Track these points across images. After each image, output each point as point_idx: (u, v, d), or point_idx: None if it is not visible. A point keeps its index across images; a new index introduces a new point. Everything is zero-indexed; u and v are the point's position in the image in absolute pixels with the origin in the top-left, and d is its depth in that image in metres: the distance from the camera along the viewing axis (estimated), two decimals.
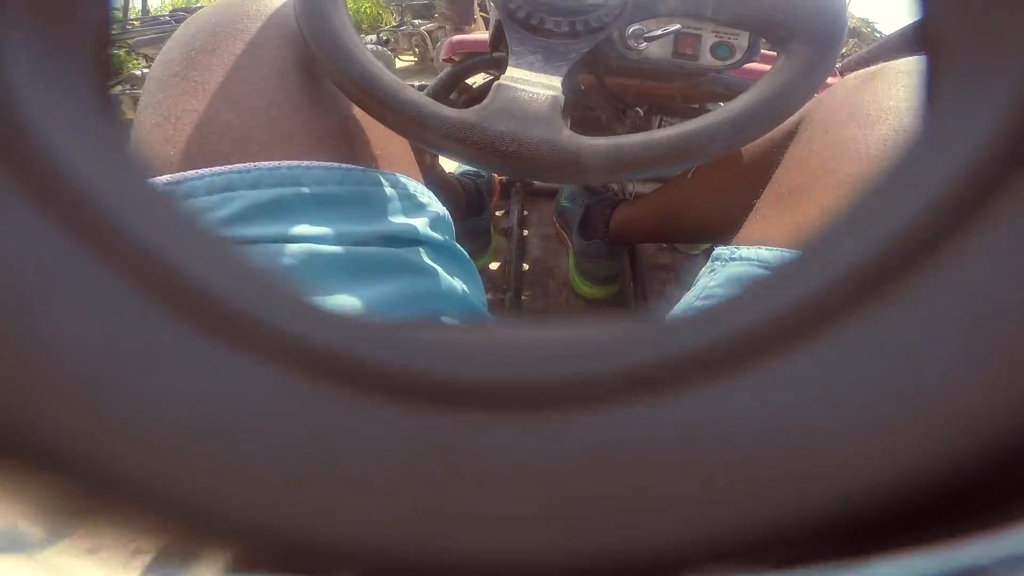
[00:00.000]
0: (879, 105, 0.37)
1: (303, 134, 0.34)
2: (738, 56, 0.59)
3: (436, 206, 0.40)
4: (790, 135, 0.42)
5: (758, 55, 0.61)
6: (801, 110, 0.43)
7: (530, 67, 0.33)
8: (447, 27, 0.97)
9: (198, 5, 5.30)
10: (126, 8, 4.12)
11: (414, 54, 4.58)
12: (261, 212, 0.31)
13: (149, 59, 3.85)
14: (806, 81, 0.32)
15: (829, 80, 0.41)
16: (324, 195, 0.33)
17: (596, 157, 0.31)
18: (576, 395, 0.09)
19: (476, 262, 0.99)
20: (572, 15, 0.34)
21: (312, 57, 0.35)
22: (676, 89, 0.75)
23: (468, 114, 0.31)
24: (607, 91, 0.77)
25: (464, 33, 0.90)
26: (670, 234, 0.88)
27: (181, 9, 4.57)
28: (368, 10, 8.22)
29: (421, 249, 0.37)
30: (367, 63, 0.33)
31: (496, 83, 0.32)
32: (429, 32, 4.13)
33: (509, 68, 0.33)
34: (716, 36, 0.60)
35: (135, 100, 3.19)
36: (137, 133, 0.34)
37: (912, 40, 1.01)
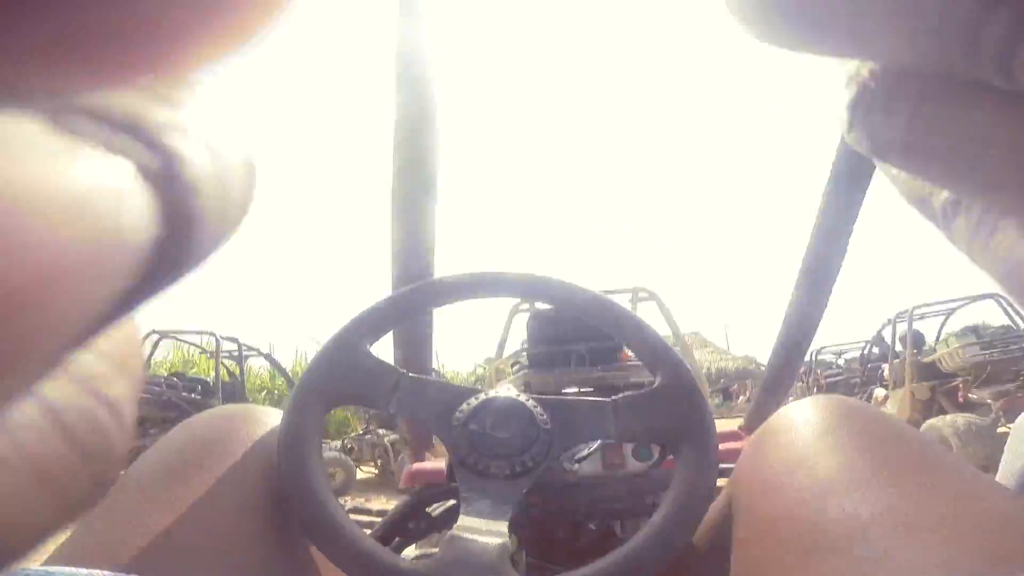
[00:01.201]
0: (775, 470, 0.41)
1: (259, 567, 0.35)
2: (656, 455, 0.69)
3: None
4: (728, 517, 0.45)
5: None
6: (727, 490, 0.47)
7: (479, 515, 0.37)
8: (408, 451, 1.04)
9: (193, 372, 5.44)
10: None
11: (375, 465, 4.65)
12: None
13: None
14: (703, 479, 0.38)
15: (736, 445, 0.47)
16: None
17: None
18: None
19: None
20: (511, 458, 0.39)
21: (284, 494, 0.38)
22: (617, 495, 0.81)
23: (421, 567, 0.33)
24: (557, 509, 0.81)
25: (423, 458, 0.96)
26: None
27: (176, 374, 4.65)
28: (337, 414, 8.78)
29: None
30: (334, 510, 0.36)
31: (449, 534, 0.35)
32: (392, 443, 4.30)
33: (461, 516, 0.37)
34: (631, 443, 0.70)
35: None
36: (95, 521, 0.34)
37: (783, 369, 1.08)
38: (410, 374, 0.43)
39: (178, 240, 0.08)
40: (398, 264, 0.73)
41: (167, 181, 0.08)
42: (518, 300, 1.66)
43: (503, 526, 0.36)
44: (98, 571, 0.31)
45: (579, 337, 0.92)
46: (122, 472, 0.39)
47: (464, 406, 0.41)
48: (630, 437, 0.43)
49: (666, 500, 0.38)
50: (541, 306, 1.29)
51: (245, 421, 0.43)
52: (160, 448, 0.40)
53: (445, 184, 0.71)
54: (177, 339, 4.86)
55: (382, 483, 4.38)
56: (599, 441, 0.61)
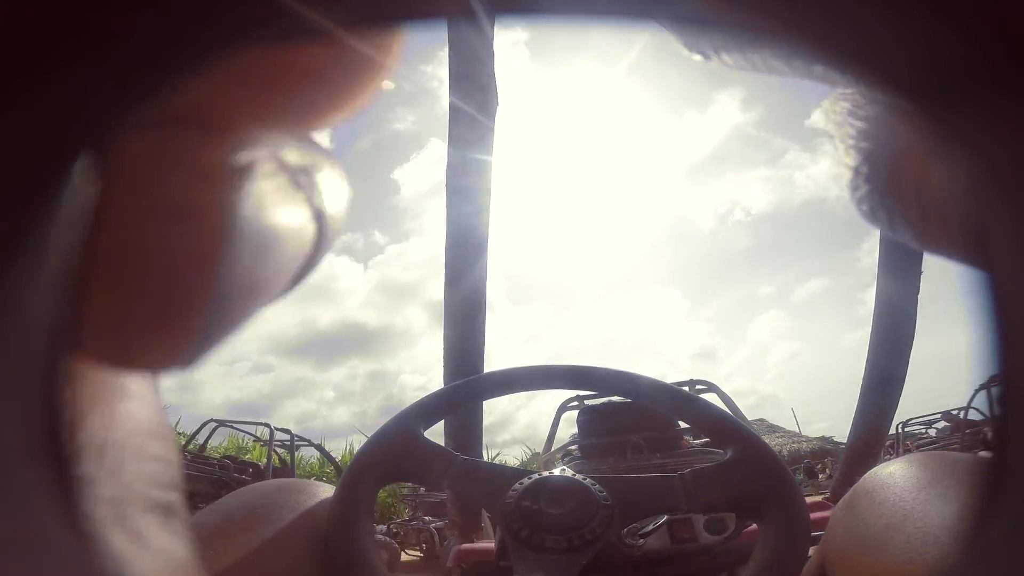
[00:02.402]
0: (875, 527, 0.38)
1: None
2: (731, 528, 0.62)
3: None
4: None
5: (748, 522, 0.62)
6: (818, 555, 0.43)
7: None
8: (456, 532, 1.05)
9: (246, 457, 5.46)
10: (190, 440, 4.30)
11: (420, 549, 4.54)
12: None
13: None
14: (793, 539, 0.34)
15: (823, 514, 0.44)
16: None
17: None
18: None
19: None
20: (569, 531, 0.37)
21: (333, 563, 0.37)
22: (690, 571, 0.73)
23: None
24: None
25: (471, 540, 0.98)
26: None
27: (230, 457, 4.73)
28: (383, 499, 8.58)
29: None
30: None
31: None
32: (438, 530, 4.22)
33: None
34: (705, 515, 0.62)
35: None
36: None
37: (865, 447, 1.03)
38: (462, 456, 0.43)
39: (314, 254, 0.11)
40: (450, 362, 0.79)
41: (317, 209, 0.11)
42: (567, 397, 1.56)
43: None
44: None
45: (635, 428, 0.87)
46: None
47: (517, 485, 0.39)
48: (705, 507, 0.39)
49: (753, 564, 0.34)
50: (590, 402, 1.21)
51: (296, 492, 0.43)
52: (210, 511, 0.40)
53: (492, 291, 0.79)
54: (233, 427, 4.98)
55: (426, 566, 4.24)
56: (665, 517, 0.56)
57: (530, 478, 0.40)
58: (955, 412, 5.25)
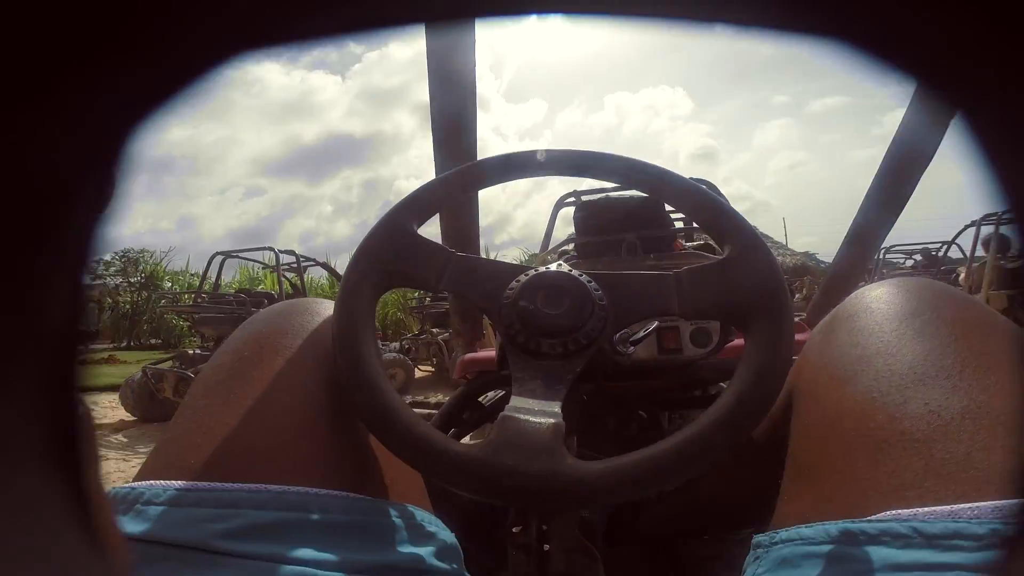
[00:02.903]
0: (848, 358, 0.38)
1: (319, 458, 0.36)
2: (715, 340, 0.66)
3: (444, 534, 0.39)
4: (787, 408, 0.43)
5: (732, 334, 0.66)
6: (788, 381, 0.43)
7: (532, 394, 0.35)
8: (459, 342, 1.07)
9: (260, 288, 5.81)
10: (203, 279, 4.49)
11: (432, 364, 4.92)
12: (261, 531, 0.31)
13: (205, 339, 4.12)
14: (775, 358, 0.33)
15: (800, 337, 0.44)
16: (329, 522, 0.33)
17: (601, 484, 0.31)
18: None
19: None
20: (564, 335, 0.37)
21: (339, 382, 0.38)
22: (673, 384, 0.80)
23: (475, 449, 0.32)
24: (609, 396, 0.81)
25: (474, 349, 0.99)
26: (704, 526, 0.84)
27: (244, 291, 5.00)
28: (393, 316, 9.22)
29: None
30: (387, 394, 0.35)
31: (501, 415, 0.34)
32: (445, 341, 4.50)
33: (513, 397, 0.35)
34: (692, 324, 0.66)
35: (178, 380, 3.25)
36: (171, 432, 0.36)
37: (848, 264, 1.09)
38: (459, 253, 0.41)
39: None
40: (440, 155, 0.74)
41: None
42: (564, 193, 1.59)
43: (556, 406, 0.35)
44: (170, 482, 0.32)
45: (630, 227, 0.86)
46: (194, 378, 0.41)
47: (514, 283, 0.39)
48: (695, 313, 0.38)
49: (736, 379, 0.34)
50: (587, 198, 1.24)
51: (301, 313, 0.43)
52: (222, 351, 0.41)
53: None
54: (238, 257, 5.08)
55: (439, 380, 4.63)
56: (655, 324, 0.57)
57: (527, 274, 0.39)
58: (934, 249, 5.29)
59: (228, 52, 0.09)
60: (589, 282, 0.38)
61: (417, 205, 0.43)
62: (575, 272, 0.39)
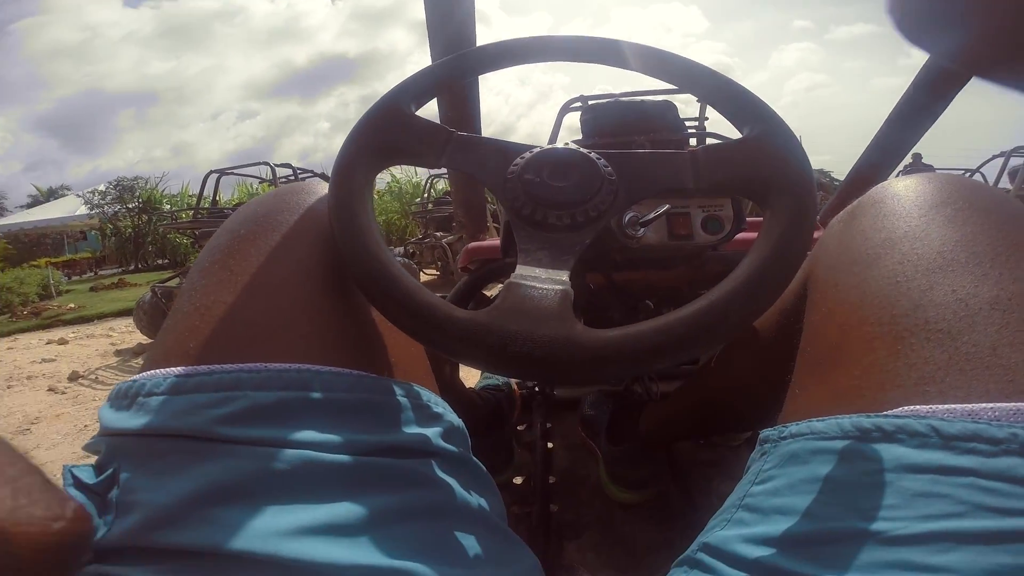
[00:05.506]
0: (872, 241, 0.36)
1: (321, 335, 0.34)
2: (728, 228, 0.63)
3: (451, 416, 0.38)
4: (801, 299, 0.41)
5: (744, 223, 0.63)
6: (803, 271, 0.42)
7: (538, 263, 0.33)
8: (463, 235, 1.04)
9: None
10: (199, 197, 4.40)
11: (437, 267, 4.95)
12: (262, 414, 0.30)
13: None
14: (798, 230, 0.32)
15: (815, 235, 0.41)
16: (333, 401, 0.31)
17: (612, 350, 0.29)
18: None
19: (499, 477, 0.94)
20: (572, 207, 0.35)
21: (338, 255, 0.36)
22: (681, 275, 0.78)
23: (480, 315, 0.30)
24: (616, 287, 0.79)
25: (479, 241, 0.96)
26: (706, 429, 0.84)
27: (243, 203, 4.97)
28: (398, 222, 9.19)
29: (433, 461, 0.34)
30: (387, 263, 0.33)
31: (507, 281, 0.32)
32: (450, 244, 4.48)
33: (519, 267, 0.33)
34: (704, 211, 0.64)
35: None
36: (170, 320, 0.35)
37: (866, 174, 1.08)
38: (461, 133, 0.39)
39: None
40: (437, 44, 0.70)
41: None
42: (570, 98, 1.51)
43: (564, 275, 0.33)
44: (170, 369, 0.31)
45: (640, 129, 0.81)
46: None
47: (519, 159, 0.37)
48: (712, 188, 0.35)
49: (754, 250, 0.31)
50: (593, 102, 1.17)
51: (298, 193, 0.41)
52: (218, 233, 0.39)
53: None
54: (233, 173, 4.95)
55: (445, 283, 4.67)
56: (666, 206, 0.55)
57: (532, 151, 0.37)
58: (965, 171, 5.07)
59: None
60: (598, 158, 0.36)
61: (414, 88, 0.41)
62: (583, 148, 0.37)
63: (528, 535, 0.81)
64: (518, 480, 0.97)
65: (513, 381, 1.10)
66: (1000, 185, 4.26)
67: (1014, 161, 4.21)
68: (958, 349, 0.28)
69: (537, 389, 1.15)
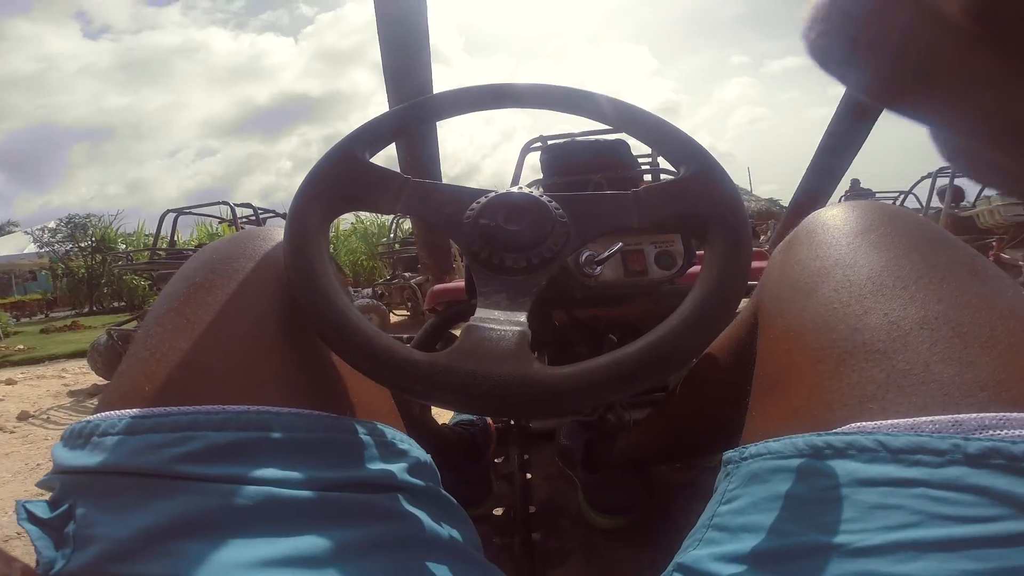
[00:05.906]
0: (808, 270, 0.39)
1: (280, 379, 0.35)
2: (679, 263, 0.67)
3: (417, 452, 0.39)
4: (753, 327, 0.43)
5: (695, 257, 0.67)
6: (753, 299, 0.45)
7: (496, 306, 0.35)
8: (429, 277, 1.06)
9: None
10: (156, 237, 4.27)
11: (407, 308, 4.90)
12: (221, 452, 0.30)
13: None
14: (734, 263, 0.34)
15: (759, 264, 0.44)
16: (294, 440, 0.32)
17: (568, 386, 0.30)
18: None
19: (478, 510, 0.94)
20: (527, 249, 0.37)
21: (295, 301, 0.36)
22: (640, 310, 0.81)
23: (440, 357, 0.32)
24: (580, 322, 0.82)
25: (444, 282, 0.98)
26: (677, 452, 0.86)
27: (200, 246, 4.74)
28: (365, 263, 9.08)
29: (400, 496, 0.35)
30: (344, 309, 0.34)
31: (466, 325, 0.34)
32: (419, 285, 4.46)
33: (478, 309, 0.35)
34: (656, 247, 0.67)
35: None
36: (124, 364, 0.35)
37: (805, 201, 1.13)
38: (415, 179, 0.40)
39: None
40: (393, 91, 0.71)
41: None
42: (531, 138, 1.57)
43: (521, 316, 0.34)
44: (125, 411, 0.31)
45: (596, 168, 0.85)
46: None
47: (475, 204, 0.38)
48: (655, 225, 0.38)
49: (698, 283, 0.34)
50: (553, 141, 1.22)
51: (253, 239, 0.41)
52: (173, 281, 0.39)
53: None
54: (192, 213, 4.85)
55: (415, 323, 4.63)
56: (619, 244, 0.57)
57: (487, 196, 0.39)
58: (892, 198, 5.41)
59: None
60: (549, 201, 0.38)
61: (368, 135, 0.42)
62: (535, 192, 0.39)
63: (512, 565, 0.80)
64: (498, 511, 0.97)
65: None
66: (933, 203, 4.55)
67: (941, 181, 4.49)
68: (895, 367, 0.30)
69: (512, 422, 1.15)
